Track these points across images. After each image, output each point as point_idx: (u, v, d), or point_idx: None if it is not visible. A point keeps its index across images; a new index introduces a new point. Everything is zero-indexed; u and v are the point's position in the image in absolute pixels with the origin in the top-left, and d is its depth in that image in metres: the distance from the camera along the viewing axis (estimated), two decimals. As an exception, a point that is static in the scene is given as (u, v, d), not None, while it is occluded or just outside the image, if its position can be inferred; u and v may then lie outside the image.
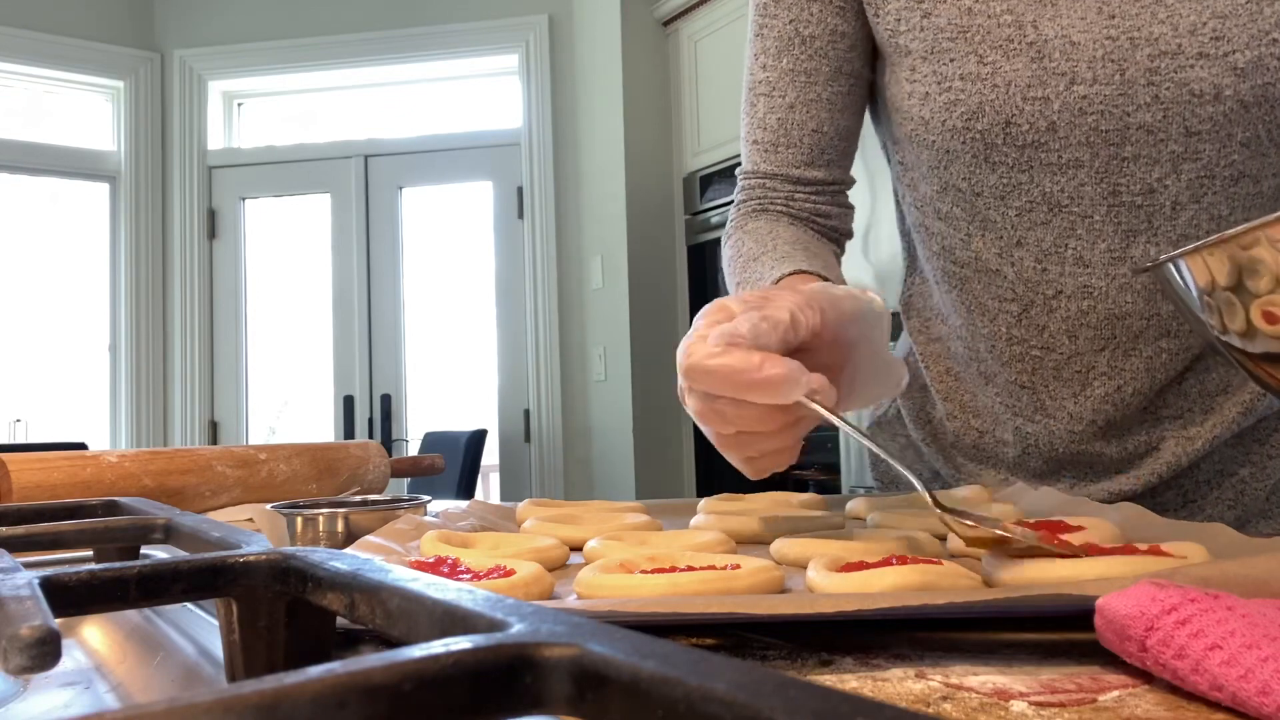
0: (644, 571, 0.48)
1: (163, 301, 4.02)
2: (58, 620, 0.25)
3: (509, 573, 0.47)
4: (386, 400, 3.87)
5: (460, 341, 4.02)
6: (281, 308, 4.09)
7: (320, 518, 0.66)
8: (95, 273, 4.01)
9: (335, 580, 0.29)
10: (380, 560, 0.29)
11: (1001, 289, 0.79)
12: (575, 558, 0.62)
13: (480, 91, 4.08)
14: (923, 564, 0.44)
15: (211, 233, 4.06)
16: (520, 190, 3.86)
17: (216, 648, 0.36)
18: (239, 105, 4.25)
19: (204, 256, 4.03)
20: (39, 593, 0.27)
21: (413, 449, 3.84)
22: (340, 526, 0.66)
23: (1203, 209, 0.71)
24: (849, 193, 0.88)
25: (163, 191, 4.05)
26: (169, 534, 0.48)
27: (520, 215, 3.86)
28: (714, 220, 3.44)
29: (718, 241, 3.39)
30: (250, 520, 0.79)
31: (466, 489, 3.27)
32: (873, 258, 2.74)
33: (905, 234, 0.92)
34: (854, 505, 0.77)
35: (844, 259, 0.88)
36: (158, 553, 0.56)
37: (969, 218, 0.78)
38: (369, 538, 0.57)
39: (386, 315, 3.94)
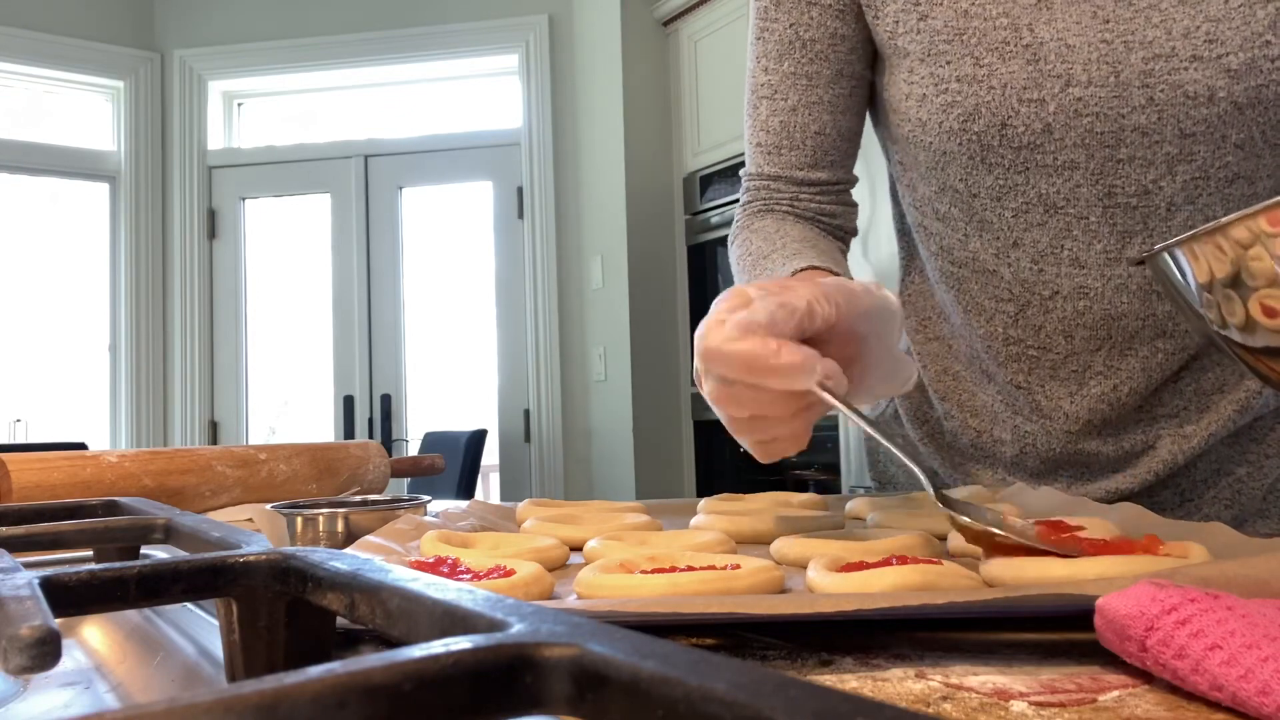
0: (644, 571, 0.48)
1: (163, 301, 4.02)
2: (58, 620, 0.25)
3: (509, 573, 0.47)
4: (386, 400, 3.87)
5: (460, 341, 4.02)
6: (281, 308, 4.09)
7: (320, 518, 0.66)
8: (95, 273, 4.01)
9: (335, 580, 0.29)
10: (380, 560, 0.29)
11: (998, 289, 0.79)
12: (575, 558, 0.62)
13: (480, 91, 4.08)
14: (922, 564, 0.44)
15: (211, 233, 4.06)
16: (520, 190, 3.86)
17: (216, 648, 0.36)
18: (239, 105, 4.25)
19: (204, 256, 4.03)
20: (39, 593, 0.27)
21: (413, 449, 3.84)
22: (340, 526, 0.66)
23: (1198, 210, 0.72)
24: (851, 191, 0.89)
25: (163, 191, 4.05)
26: (169, 534, 0.48)
27: (520, 215, 3.86)
28: (714, 220, 3.44)
29: (718, 241, 3.39)
30: (250, 520, 0.78)
31: (466, 489, 3.27)
32: (872, 257, 2.74)
33: (903, 233, 0.92)
34: (854, 505, 0.77)
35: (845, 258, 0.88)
36: (158, 553, 0.56)
37: (966, 218, 0.78)
38: (369, 538, 0.57)
39: (386, 315, 3.94)
